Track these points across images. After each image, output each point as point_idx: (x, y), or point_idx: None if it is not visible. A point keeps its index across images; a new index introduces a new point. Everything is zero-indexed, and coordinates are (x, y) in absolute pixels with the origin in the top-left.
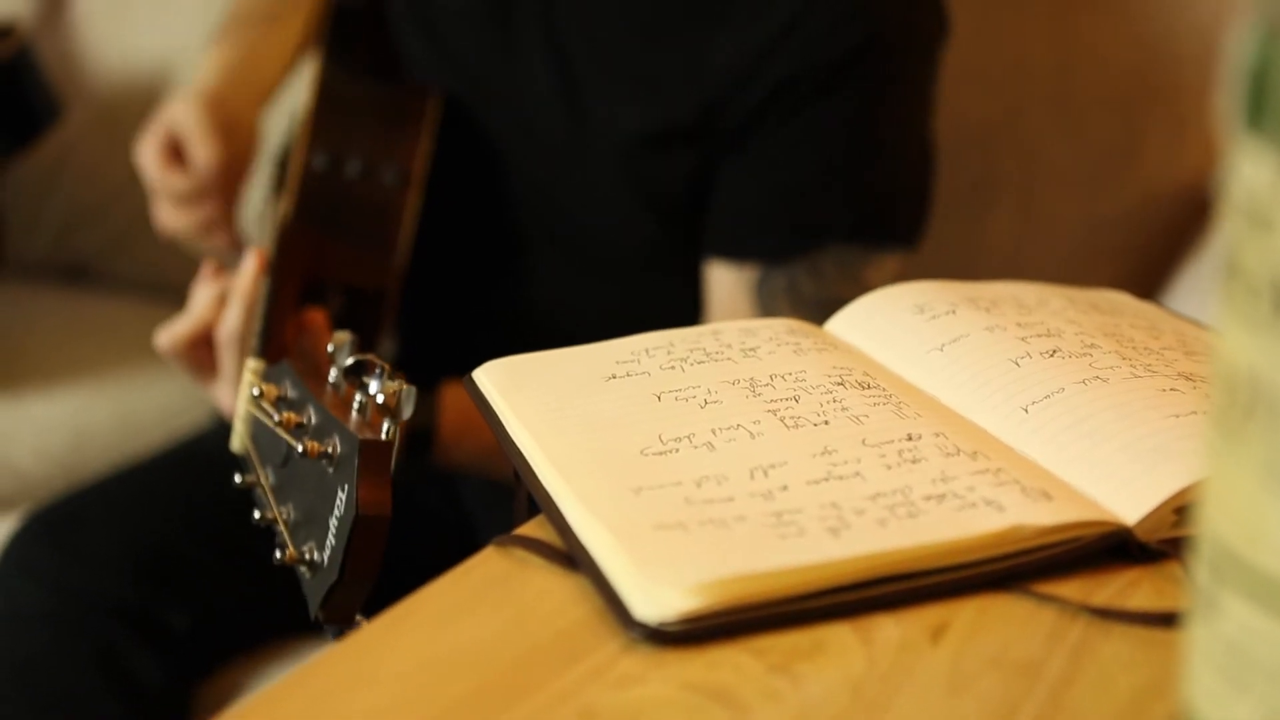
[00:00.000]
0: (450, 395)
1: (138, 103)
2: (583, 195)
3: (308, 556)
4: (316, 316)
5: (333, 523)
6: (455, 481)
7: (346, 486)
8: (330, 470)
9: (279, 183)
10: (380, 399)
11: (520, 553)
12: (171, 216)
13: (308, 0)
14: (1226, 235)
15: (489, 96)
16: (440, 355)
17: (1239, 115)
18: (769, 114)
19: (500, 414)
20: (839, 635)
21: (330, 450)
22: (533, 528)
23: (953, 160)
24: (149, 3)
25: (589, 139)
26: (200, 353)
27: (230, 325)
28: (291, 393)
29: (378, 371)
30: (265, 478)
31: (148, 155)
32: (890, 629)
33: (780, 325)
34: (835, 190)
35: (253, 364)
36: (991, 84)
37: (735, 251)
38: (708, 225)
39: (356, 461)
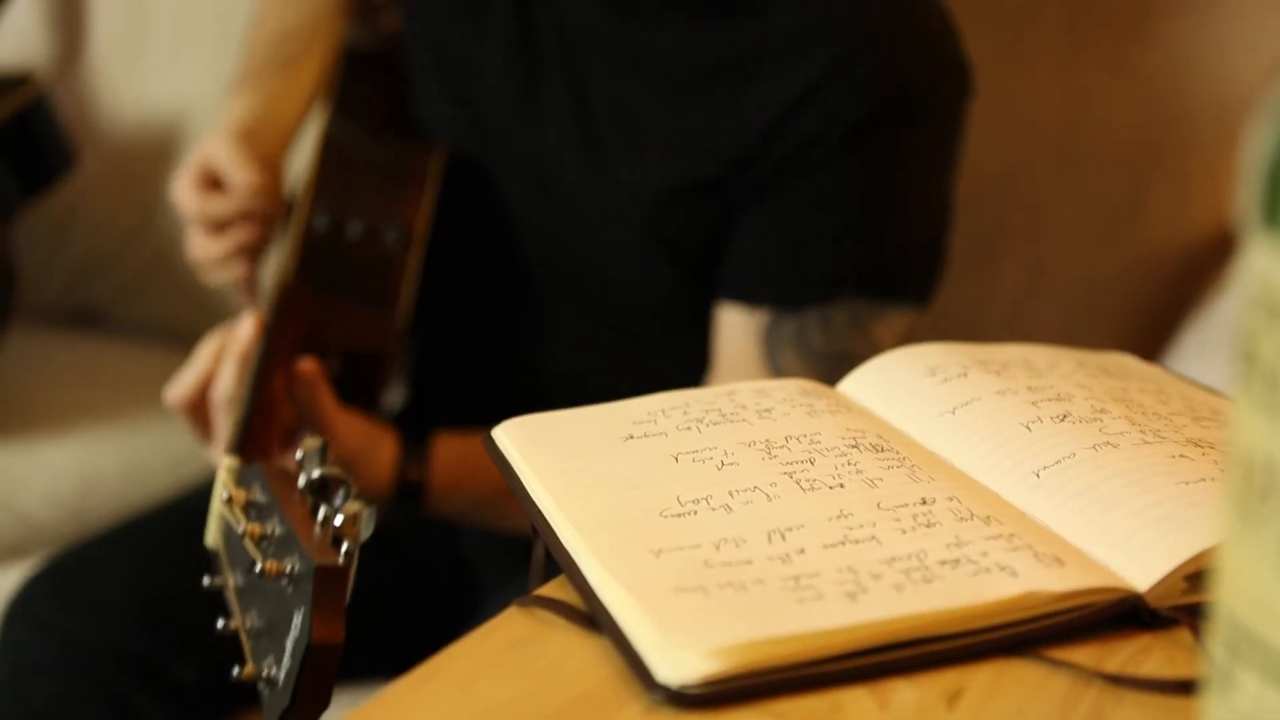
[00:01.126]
0: (442, 447)
1: (151, 151)
2: (602, 249)
3: (266, 673)
4: (309, 366)
5: (289, 644)
6: (454, 527)
7: (302, 610)
8: (289, 589)
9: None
10: (339, 520)
11: (542, 613)
12: (205, 244)
13: (321, 43)
14: (1243, 324)
15: (510, 151)
16: (452, 407)
17: (1256, 211)
18: (791, 168)
19: (520, 473)
20: (856, 699)
21: (289, 570)
22: (554, 588)
23: (962, 214)
24: (163, 52)
25: (611, 194)
26: (201, 411)
27: (223, 387)
28: (261, 498)
29: (341, 489)
30: (233, 580)
31: (184, 186)
32: (907, 693)
33: (794, 386)
34: (851, 244)
35: (228, 462)
36: (1001, 140)
37: (747, 295)
38: (722, 269)
39: (311, 587)
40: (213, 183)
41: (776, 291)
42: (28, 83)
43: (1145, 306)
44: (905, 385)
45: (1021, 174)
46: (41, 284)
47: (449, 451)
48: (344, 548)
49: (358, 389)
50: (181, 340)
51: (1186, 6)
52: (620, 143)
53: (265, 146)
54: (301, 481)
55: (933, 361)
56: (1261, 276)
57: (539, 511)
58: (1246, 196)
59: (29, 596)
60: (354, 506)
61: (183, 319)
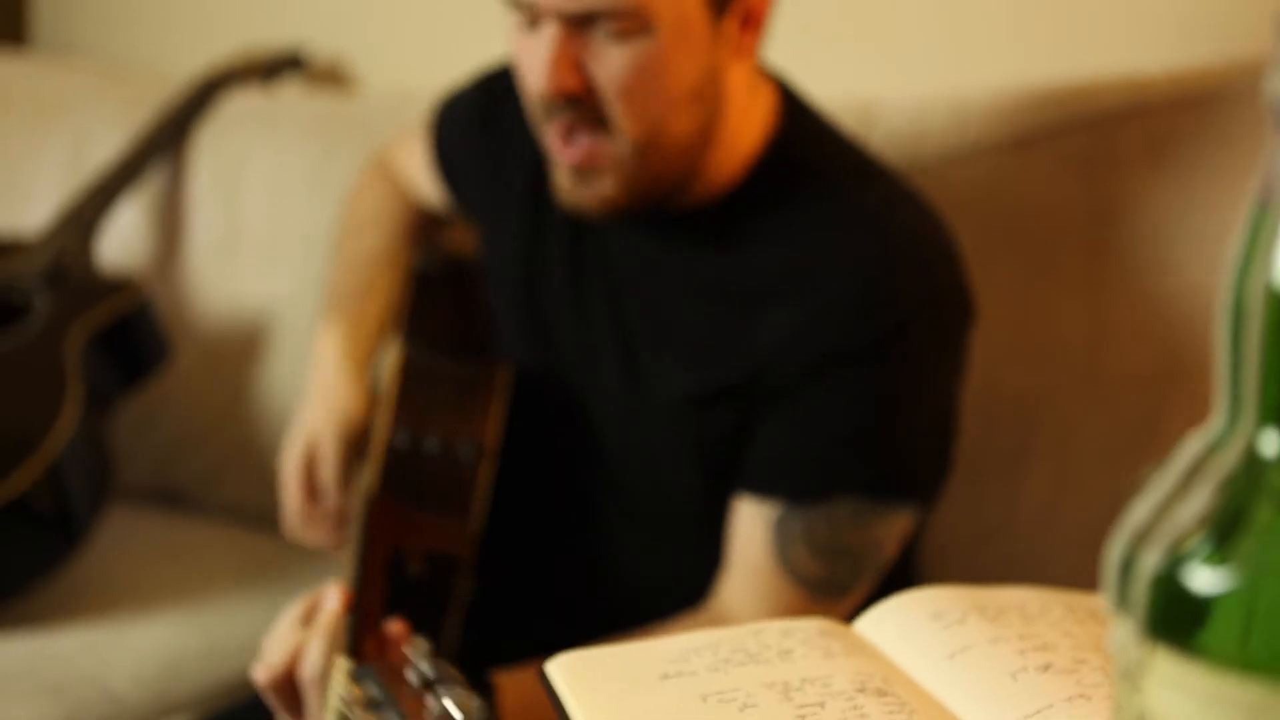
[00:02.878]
0: (506, 685)
1: (239, 344)
2: (639, 453)
3: None
4: (396, 628)
5: None
6: None
7: None
8: None
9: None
10: (452, 709)
11: None
12: (302, 534)
13: (393, 267)
14: (1113, 677)
15: (570, 363)
16: (513, 600)
17: (1112, 594)
18: (804, 380)
19: (570, 711)
20: None
21: None
22: None
23: (989, 429)
24: (255, 254)
25: (645, 401)
26: (287, 687)
27: (312, 665)
28: (376, 694)
29: (448, 685)
30: None
31: (291, 478)
32: None
33: (814, 627)
34: (857, 448)
35: (343, 663)
36: (1027, 359)
37: (759, 487)
38: (740, 467)
39: None
40: (313, 479)
41: (785, 485)
42: (130, 287)
43: None
44: (912, 629)
45: (1046, 392)
46: (132, 466)
47: (513, 687)
48: None
49: (437, 589)
50: (261, 522)
51: (1202, 237)
52: (652, 354)
53: (357, 414)
54: (412, 677)
55: (937, 606)
56: (1116, 643)
57: None
58: (1107, 582)
59: None
60: (462, 694)
61: (263, 502)
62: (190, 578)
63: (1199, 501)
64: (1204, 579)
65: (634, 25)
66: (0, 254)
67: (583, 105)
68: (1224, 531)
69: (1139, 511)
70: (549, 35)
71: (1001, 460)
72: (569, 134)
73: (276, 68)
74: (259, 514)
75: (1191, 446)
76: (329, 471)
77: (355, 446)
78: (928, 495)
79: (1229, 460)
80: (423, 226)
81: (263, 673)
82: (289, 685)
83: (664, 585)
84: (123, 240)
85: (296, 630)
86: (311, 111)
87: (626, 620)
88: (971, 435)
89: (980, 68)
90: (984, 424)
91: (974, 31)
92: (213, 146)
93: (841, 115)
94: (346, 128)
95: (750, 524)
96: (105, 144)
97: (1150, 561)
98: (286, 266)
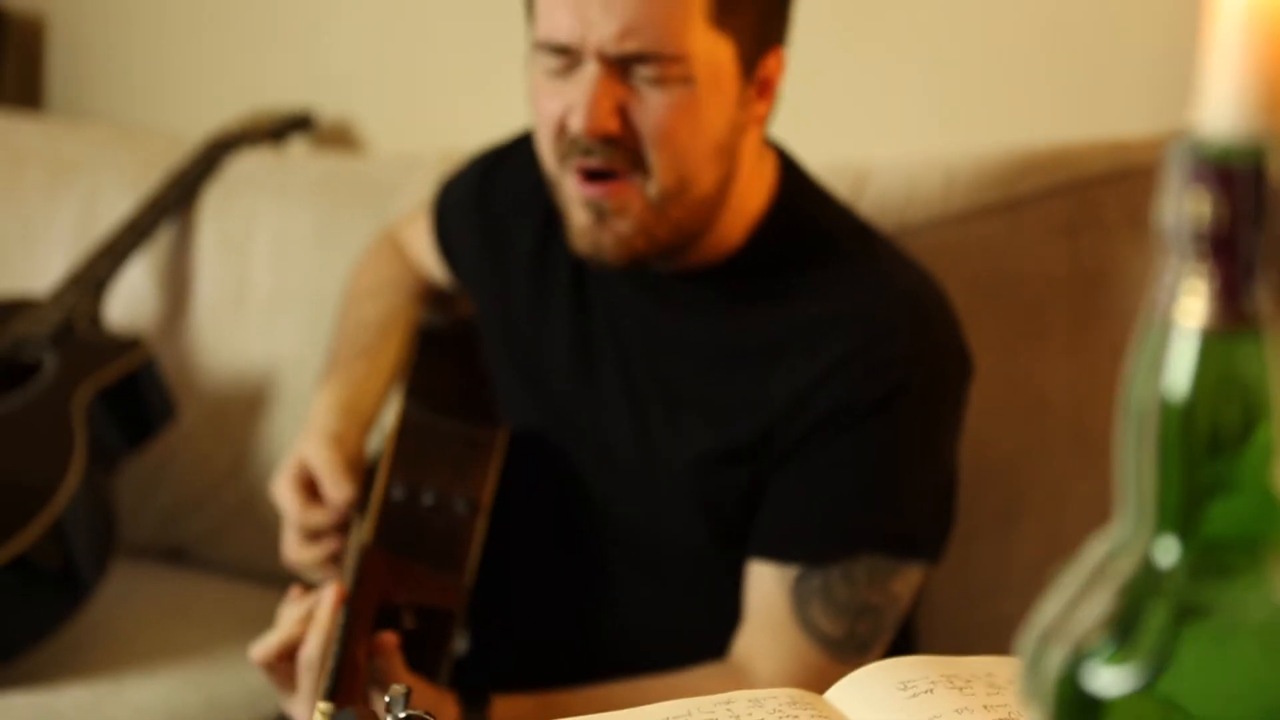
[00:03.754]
0: (500, 708)
1: (244, 403)
2: (649, 512)
3: None
4: (389, 639)
5: None
6: None
7: None
8: None
9: (362, 503)
10: None
11: None
12: (302, 550)
13: (399, 330)
14: None
15: (571, 422)
16: (512, 650)
17: (1022, 689)
18: (814, 439)
19: None
20: None
21: None
22: None
23: (979, 488)
24: (260, 313)
25: (656, 462)
26: (285, 666)
27: (310, 651)
28: None
29: None
30: None
31: (286, 492)
32: None
33: (785, 696)
34: (871, 506)
35: (322, 706)
36: (1015, 419)
37: (777, 554)
38: (753, 528)
39: None
40: (310, 489)
41: (804, 548)
42: (138, 346)
43: None
44: (880, 697)
45: (1035, 452)
46: (135, 524)
47: (507, 712)
48: None
49: (429, 642)
50: (263, 580)
51: None
52: (662, 415)
53: (355, 442)
54: None
55: (906, 675)
56: None
57: None
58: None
59: None
60: None
61: (265, 560)
62: (193, 635)
63: (1101, 604)
64: (1103, 679)
65: (675, 72)
66: (12, 313)
67: (618, 147)
68: (1123, 634)
69: (1047, 609)
70: (590, 75)
71: (992, 519)
72: (593, 174)
73: (286, 129)
74: (262, 571)
75: (1097, 548)
76: (324, 468)
77: (348, 462)
78: (939, 548)
79: (1129, 565)
80: (427, 293)
81: (259, 652)
82: (289, 660)
83: (667, 635)
84: (130, 299)
85: (294, 623)
86: (319, 172)
87: (627, 671)
88: (962, 494)
89: (969, 132)
90: (974, 483)
91: (963, 96)
92: (220, 206)
93: (835, 178)
94: (353, 189)
95: (767, 584)
96: (116, 204)
97: (1055, 659)
98: (291, 326)
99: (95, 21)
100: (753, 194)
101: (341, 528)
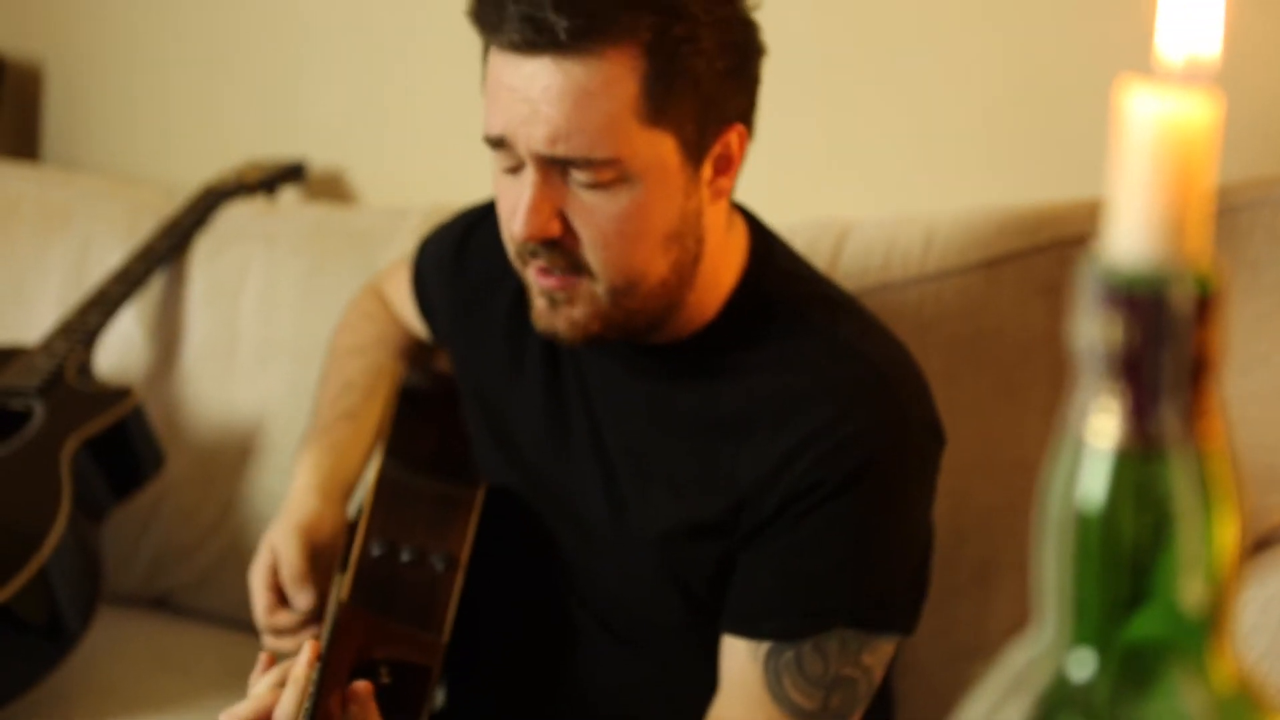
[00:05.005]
0: None
1: (232, 452)
2: (621, 580)
3: None
4: (364, 686)
5: None
6: None
7: None
8: None
9: (343, 560)
10: None
11: None
12: (272, 642)
13: (381, 391)
14: None
15: (545, 488)
16: (486, 708)
17: None
18: (784, 515)
19: None
20: None
21: None
22: None
23: (956, 544)
24: (249, 363)
25: (627, 531)
26: None
27: (285, 710)
28: None
29: None
30: None
31: (258, 588)
32: None
33: None
34: (841, 581)
35: None
36: (994, 476)
37: (750, 631)
38: (726, 604)
39: None
40: (279, 590)
41: (774, 624)
42: (127, 396)
43: None
44: None
45: (1012, 508)
46: (123, 573)
47: None
48: None
49: (405, 698)
50: (249, 628)
51: None
52: (634, 486)
53: (326, 526)
54: None
55: None
56: None
57: None
58: None
59: None
60: None
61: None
62: (178, 684)
63: (1018, 713)
64: None
65: (611, 174)
66: (2, 361)
67: (559, 249)
68: None
69: (967, 714)
70: (529, 180)
71: (970, 577)
72: (545, 269)
73: (278, 179)
74: (248, 620)
75: (1017, 655)
76: (288, 572)
77: (318, 553)
78: (911, 619)
79: (1046, 675)
80: (413, 349)
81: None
82: None
83: (642, 700)
84: (120, 347)
85: (268, 692)
86: (309, 223)
87: None
88: (940, 552)
89: (950, 191)
90: (952, 541)
91: (945, 155)
92: (211, 256)
93: (817, 234)
94: (342, 240)
95: (740, 658)
96: (109, 253)
97: None
98: (280, 376)
99: (91, 70)
100: (726, 266)
101: (309, 622)
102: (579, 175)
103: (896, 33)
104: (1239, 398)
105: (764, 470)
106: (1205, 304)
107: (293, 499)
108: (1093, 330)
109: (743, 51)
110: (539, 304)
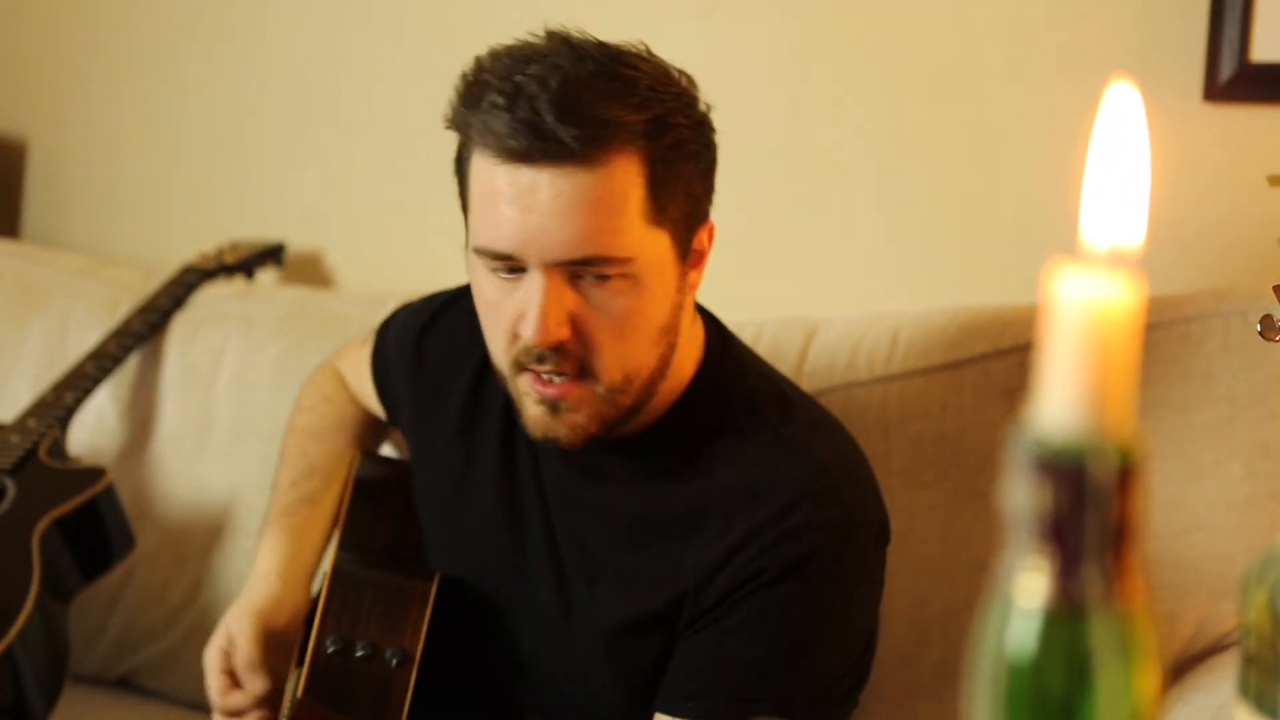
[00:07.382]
0: None
1: (202, 533)
2: (568, 670)
3: None
4: None
5: None
6: None
7: None
8: None
9: (299, 654)
10: None
11: None
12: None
13: (341, 477)
14: None
15: (497, 582)
16: None
17: None
18: (724, 603)
19: None
20: None
21: None
22: None
23: (919, 646)
24: (221, 446)
25: (575, 623)
26: None
27: None
28: None
29: None
30: None
31: (212, 670)
32: None
33: None
34: (771, 670)
35: None
36: (954, 577)
37: (677, 709)
38: (660, 685)
39: None
40: (233, 674)
41: (703, 704)
42: (99, 476)
43: None
44: None
45: (972, 610)
46: (88, 653)
47: None
48: None
49: None
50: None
51: None
52: (582, 582)
53: (285, 611)
54: None
55: None
56: None
57: None
58: None
59: None
60: None
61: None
62: None
63: None
64: None
65: (622, 272)
66: None
67: (567, 354)
68: None
69: None
70: (538, 285)
71: (931, 676)
72: (545, 378)
73: (257, 260)
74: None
75: None
76: (242, 658)
77: (274, 637)
78: (842, 712)
79: None
80: (370, 431)
81: None
82: None
83: None
84: (93, 426)
85: None
86: (286, 306)
87: None
88: (902, 651)
89: (918, 290)
90: (913, 640)
91: (913, 258)
92: (187, 337)
93: (786, 331)
94: (318, 323)
95: None
96: (87, 332)
97: None
98: (251, 458)
99: (73, 149)
100: (686, 360)
101: (263, 704)
102: (591, 273)
103: (867, 135)
104: (1192, 506)
105: (710, 563)
106: (1126, 474)
107: (253, 583)
108: (1022, 496)
109: (712, 151)
110: (535, 412)
